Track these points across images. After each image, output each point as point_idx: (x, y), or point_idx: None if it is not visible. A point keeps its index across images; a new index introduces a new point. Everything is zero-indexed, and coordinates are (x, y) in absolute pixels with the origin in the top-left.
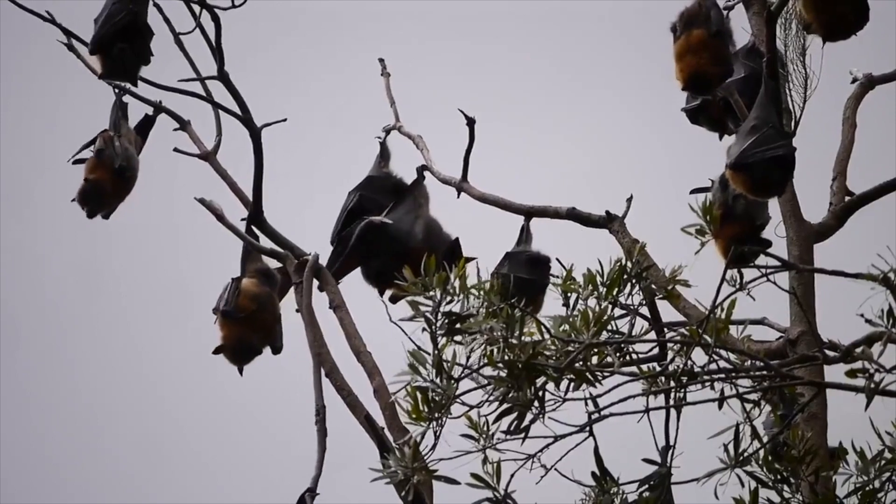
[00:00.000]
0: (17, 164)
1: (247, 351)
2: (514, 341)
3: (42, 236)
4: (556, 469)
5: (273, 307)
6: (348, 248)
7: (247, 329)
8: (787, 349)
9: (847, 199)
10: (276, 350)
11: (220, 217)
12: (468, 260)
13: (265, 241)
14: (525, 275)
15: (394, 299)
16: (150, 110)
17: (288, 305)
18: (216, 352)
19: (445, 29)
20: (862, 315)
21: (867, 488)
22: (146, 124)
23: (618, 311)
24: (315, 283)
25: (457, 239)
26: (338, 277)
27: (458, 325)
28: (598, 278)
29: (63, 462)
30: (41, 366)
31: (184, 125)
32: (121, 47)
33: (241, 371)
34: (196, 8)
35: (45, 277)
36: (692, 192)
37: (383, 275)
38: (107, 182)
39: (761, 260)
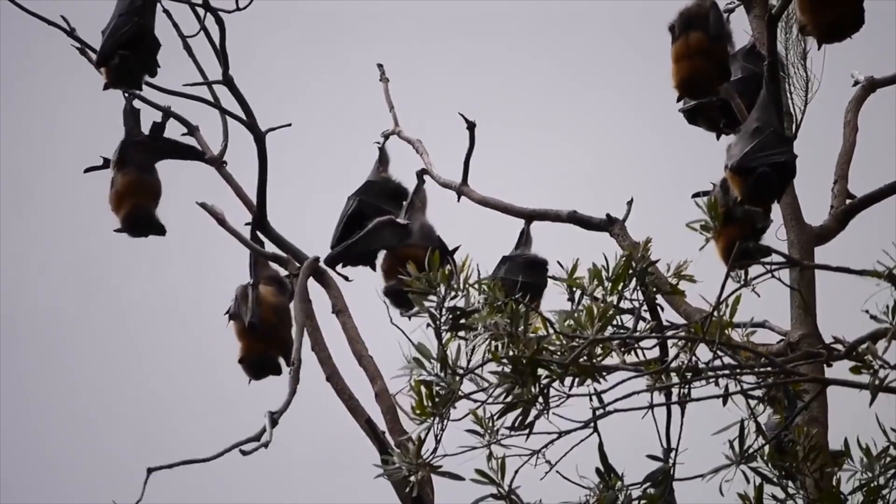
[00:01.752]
0: (17, 164)
1: (267, 367)
2: (519, 337)
3: (42, 237)
4: (559, 466)
5: (289, 319)
6: (359, 235)
7: (267, 343)
8: (787, 352)
9: (848, 202)
10: (290, 364)
11: (222, 221)
12: (453, 251)
13: (269, 246)
14: (522, 278)
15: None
16: (157, 116)
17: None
18: (239, 362)
19: (445, 29)
20: (867, 311)
21: (872, 485)
22: (156, 131)
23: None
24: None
25: (443, 244)
26: (335, 263)
27: (462, 321)
28: (604, 273)
29: (63, 462)
30: (41, 367)
31: (192, 130)
32: (122, 54)
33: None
34: (200, 11)
35: (45, 278)
36: (694, 196)
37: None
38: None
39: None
